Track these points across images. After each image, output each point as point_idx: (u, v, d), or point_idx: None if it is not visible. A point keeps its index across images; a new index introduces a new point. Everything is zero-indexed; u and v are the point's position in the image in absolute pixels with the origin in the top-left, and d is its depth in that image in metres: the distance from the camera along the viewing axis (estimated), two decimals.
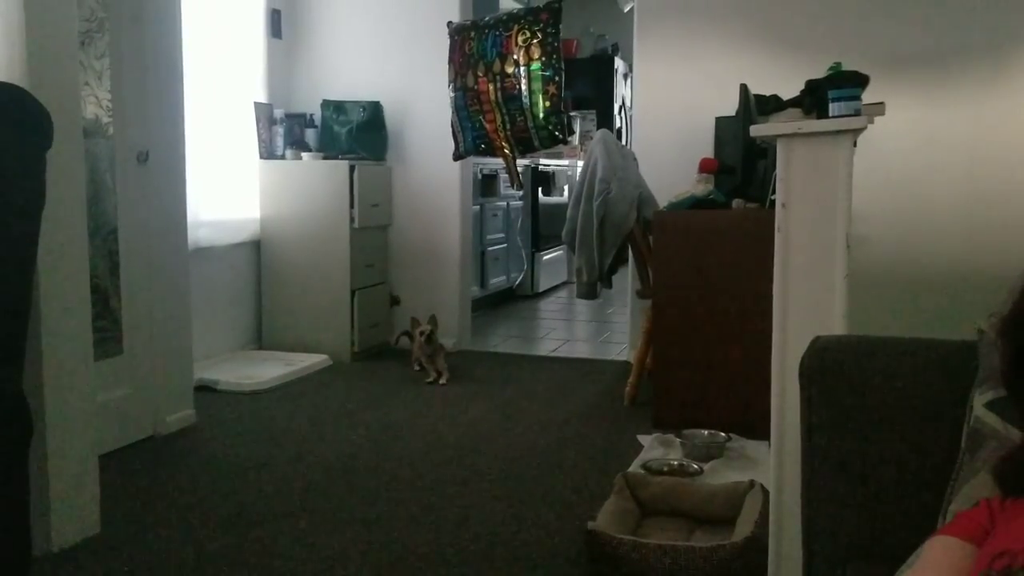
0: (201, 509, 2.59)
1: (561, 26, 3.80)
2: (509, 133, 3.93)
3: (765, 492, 2.26)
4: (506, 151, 4.01)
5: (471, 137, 4.11)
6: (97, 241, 3.01)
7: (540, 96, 3.80)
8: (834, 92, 1.75)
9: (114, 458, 2.99)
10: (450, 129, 4.25)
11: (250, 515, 2.55)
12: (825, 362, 1.21)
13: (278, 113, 4.74)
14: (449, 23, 4.24)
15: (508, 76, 3.83)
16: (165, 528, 2.45)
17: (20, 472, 1.91)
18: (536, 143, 3.93)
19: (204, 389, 3.82)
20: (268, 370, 4.16)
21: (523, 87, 3.83)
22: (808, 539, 1.27)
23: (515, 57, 3.83)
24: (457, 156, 4.33)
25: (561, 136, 3.90)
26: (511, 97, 3.86)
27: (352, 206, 4.53)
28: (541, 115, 3.83)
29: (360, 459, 3.04)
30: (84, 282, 2.40)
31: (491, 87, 3.89)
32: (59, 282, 2.29)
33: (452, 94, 4.14)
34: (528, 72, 3.80)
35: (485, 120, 3.98)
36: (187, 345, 3.43)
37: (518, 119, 3.87)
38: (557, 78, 3.79)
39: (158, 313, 3.28)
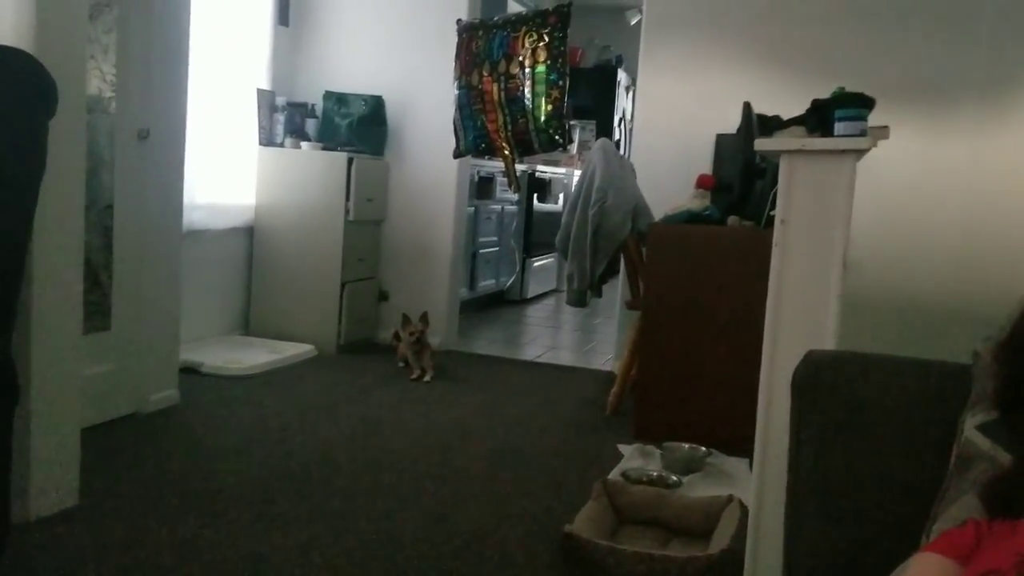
0: (179, 489, 2.58)
1: (569, 31, 3.81)
2: (510, 134, 3.94)
3: (743, 507, 2.27)
4: (506, 152, 4.02)
5: (472, 136, 4.13)
6: (92, 216, 3.00)
7: (543, 99, 3.81)
8: (840, 112, 1.76)
9: (95, 433, 2.97)
10: (451, 127, 4.26)
11: (227, 498, 2.54)
12: (818, 376, 1.22)
13: (280, 101, 4.74)
14: (458, 21, 4.25)
15: (513, 77, 3.85)
16: (142, 505, 2.44)
17: (2, 438, 1.90)
18: (536, 146, 3.95)
19: (188, 371, 3.81)
20: (253, 356, 4.15)
21: (527, 89, 3.84)
22: (789, 553, 1.28)
23: (521, 58, 3.85)
24: (457, 154, 4.34)
25: (561, 140, 3.91)
26: (514, 98, 3.88)
27: (348, 199, 4.53)
28: (542, 118, 3.84)
29: (340, 450, 3.04)
30: (78, 254, 2.40)
31: (495, 87, 3.90)
32: (53, 252, 2.28)
33: (456, 92, 4.15)
34: (533, 74, 3.82)
35: (487, 120, 4.00)
36: (175, 325, 3.42)
37: (519, 120, 3.88)
38: (561, 82, 3.81)
39: (148, 291, 3.27)
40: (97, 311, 3.08)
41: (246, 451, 2.96)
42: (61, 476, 2.36)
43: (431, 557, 2.24)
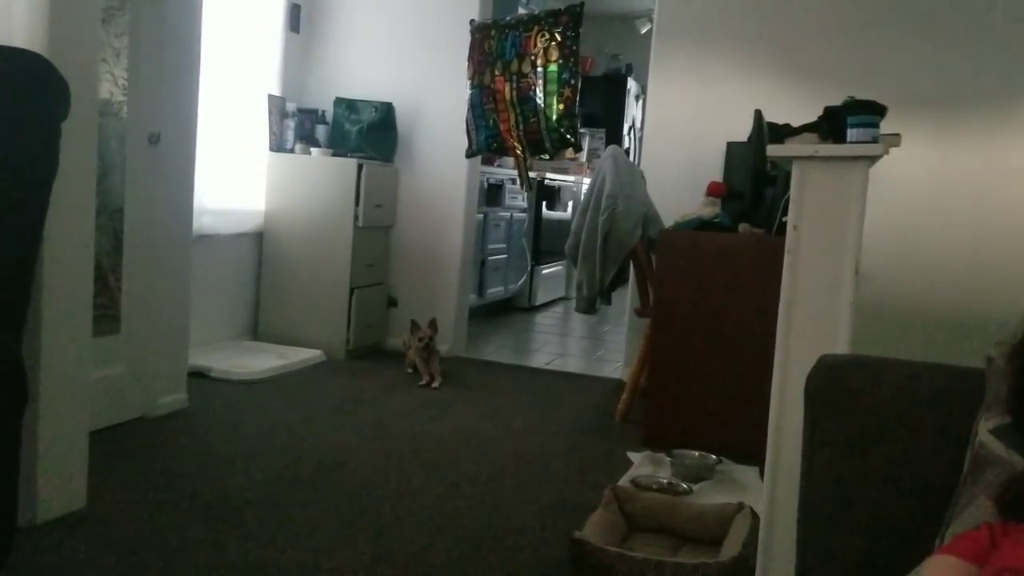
0: (187, 493, 2.58)
1: (581, 31, 3.82)
2: (521, 133, 3.94)
3: (754, 515, 2.25)
4: (518, 151, 4.02)
5: (484, 135, 4.13)
6: (103, 219, 3.01)
7: (555, 98, 3.82)
8: (853, 118, 1.76)
9: (103, 436, 2.97)
10: (461, 134, 4.27)
11: (235, 502, 2.53)
12: (832, 380, 1.21)
13: (290, 107, 4.75)
14: (471, 21, 4.28)
15: (524, 76, 3.86)
16: (149, 509, 2.43)
17: (11, 439, 1.90)
18: (547, 145, 3.95)
19: (197, 375, 3.81)
20: (262, 361, 4.15)
21: (538, 88, 3.85)
22: (802, 559, 1.27)
23: (533, 58, 3.86)
24: (470, 153, 4.35)
25: (572, 139, 3.91)
26: (526, 98, 3.89)
27: (357, 205, 4.54)
28: (554, 117, 3.85)
29: (349, 456, 3.03)
30: (88, 257, 2.40)
31: (507, 86, 3.91)
32: (64, 254, 2.29)
33: (469, 91, 4.17)
34: (545, 73, 3.83)
35: (499, 119, 4.00)
36: (184, 329, 3.42)
37: (531, 120, 3.89)
38: (573, 81, 3.81)
39: (157, 295, 3.27)
40: (106, 314, 3.09)
41: (255, 456, 2.95)
42: (68, 479, 2.36)
43: (440, 563, 2.23)
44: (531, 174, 6.16)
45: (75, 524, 2.30)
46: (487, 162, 5.77)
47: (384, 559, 2.23)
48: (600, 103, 8.09)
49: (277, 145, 4.69)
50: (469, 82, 4.17)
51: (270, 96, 4.66)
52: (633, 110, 8.58)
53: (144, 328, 3.24)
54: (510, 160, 5.99)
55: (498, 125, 4.02)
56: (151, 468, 2.77)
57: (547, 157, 6.50)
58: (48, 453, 2.28)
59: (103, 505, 2.42)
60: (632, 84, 8.47)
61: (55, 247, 2.24)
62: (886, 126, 1.88)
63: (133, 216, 3.18)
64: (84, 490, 2.41)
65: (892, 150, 1.86)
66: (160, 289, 3.28)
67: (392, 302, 4.93)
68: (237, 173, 4.48)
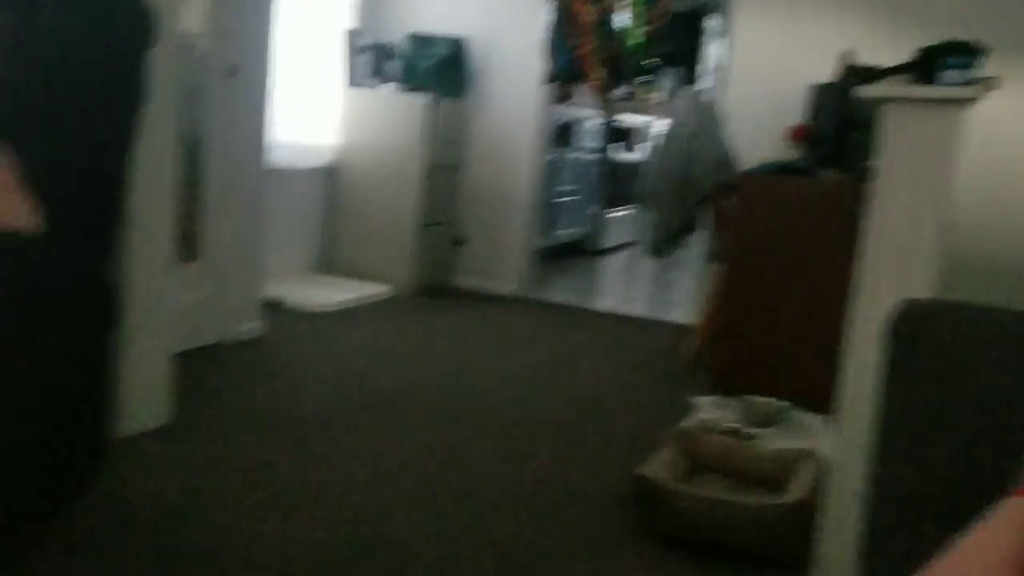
0: (263, 415, 2.67)
1: None
2: (601, 59, 3.88)
3: (818, 462, 2.24)
4: (597, 77, 3.97)
5: (563, 60, 4.08)
6: (182, 149, 3.07)
7: (638, 23, 3.74)
8: (950, 59, 1.69)
9: (182, 359, 3.07)
10: (542, 51, 4.18)
11: (306, 426, 2.62)
12: (914, 322, 1.18)
13: (365, 41, 4.75)
14: None
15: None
16: (229, 427, 2.53)
17: (103, 359, 1.98)
18: (626, 71, 3.89)
19: (269, 305, 3.91)
20: (332, 294, 4.23)
21: (622, 12, 3.77)
22: (873, 498, 1.26)
23: None
24: (549, 79, 4.29)
25: (653, 68, 3.84)
26: (607, 22, 3.81)
27: (428, 142, 4.54)
28: (634, 43, 3.77)
29: (419, 388, 3.09)
30: (169, 186, 2.48)
31: (589, 8, 3.83)
32: (146, 183, 2.34)
33: (549, 14, 4.09)
34: None
35: (579, 43, 3.94)
36: (259, 259, 3.50)
37: (612, 45, 3.82)
38: (661, 4, 3.72)
39: (234, 225, 3.35)
40: (186, 242, 3.17)
41: (326, 383, 3.03)
42: (153, 395, 2.46)
43: (501, 488, 2.28)
44: (601, 120, 6.06)
45: (159, 437, 2.40)
46: (558, 101, 5.70)
47: (451, 485, 2.28)
48: (679, 41, 7.88)
49: (354, 80, 4.70)
50: (550, 4, 4.07)
51: (348, 31, 4.65)
52: (714, 49, 8.35)
53: (221, 257, 3.33)
54: (582, 99, 5.90)
55: (578, 50, 3.96)
56: (229, 390, 2.87)
57: (625, 93, 6.37)
58: (134, 371, 2.37)
59: (185, 422, 2.52)
60: (713, 22, 8.23)
61: (138, 176, 2.30)
62: (990, 69, 1.79)
63: (211, 147, 3.24)
64: (168, 406, 2.51)
65: (993, 94, 1.79)
66: (236, 219, 3.36)
67: (461, 240, 4.96)
68: (311, 107, 4.52)
